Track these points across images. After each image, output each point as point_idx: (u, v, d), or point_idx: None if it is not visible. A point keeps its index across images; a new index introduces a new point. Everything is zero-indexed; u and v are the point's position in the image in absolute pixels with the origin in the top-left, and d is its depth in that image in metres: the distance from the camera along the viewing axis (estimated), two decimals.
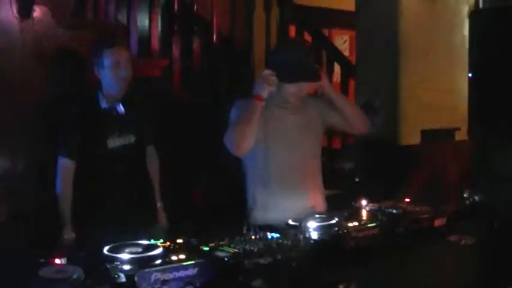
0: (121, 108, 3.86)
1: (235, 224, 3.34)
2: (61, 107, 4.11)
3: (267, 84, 3.54)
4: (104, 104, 3.86)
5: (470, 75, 5.47)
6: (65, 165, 3.83)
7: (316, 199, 3.78)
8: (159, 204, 4.18)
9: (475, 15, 5.62)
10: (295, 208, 3.42)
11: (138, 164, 4.07)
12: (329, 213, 3.26)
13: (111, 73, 3.78)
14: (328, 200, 3.98)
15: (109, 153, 3.85)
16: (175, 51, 5.81)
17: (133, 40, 5.56)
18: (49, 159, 3.94)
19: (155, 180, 4.20)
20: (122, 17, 5.61)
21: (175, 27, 5.86)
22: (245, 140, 3.56)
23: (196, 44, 5.92)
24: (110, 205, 3.89)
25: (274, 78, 3.55)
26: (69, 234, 3.77)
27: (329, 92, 3.76)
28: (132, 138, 3.94)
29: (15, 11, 4.79)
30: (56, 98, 4.74)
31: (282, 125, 3.75)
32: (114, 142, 3.87)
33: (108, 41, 3.93)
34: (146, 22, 5.76)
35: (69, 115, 3.93)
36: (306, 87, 3.70)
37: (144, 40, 5.70)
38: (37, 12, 4.89)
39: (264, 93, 3.54)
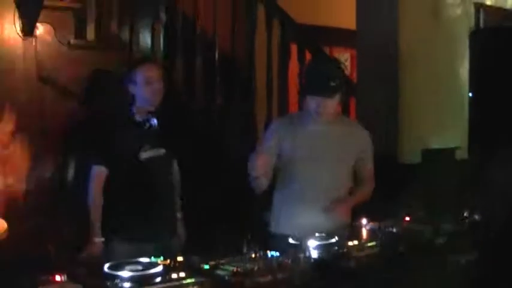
0: (154, 121, 3.98)
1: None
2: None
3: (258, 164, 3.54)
4: (137, 117, 3.98)
5: (470, 94, 5.49)
6: (99, 173, 3.93)
7: (340, 216, 3.84)
8: (179, 215, 4.24)
9: (475, 34, 5.64)
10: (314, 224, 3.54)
11: (167, 176, 4.14)
12: (329, 232, 3.26)
13: (143, 88, 3.95)
14: None
15: (140, 165, 3.93)
16: (178, 70, 5.83)
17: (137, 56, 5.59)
18: (52, 183, 3.99)
19: (177, 192, 4.27)
20: (125, 36, 5.63)
21: (178, 46, 5.88)
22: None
23: (198, 63, 5.93)
24: (136, 216, 3.94)
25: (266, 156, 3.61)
26: (99, 238, 3.87)
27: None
28: (162, 151, 4.02)
29: (18, 28, 4.82)
30: (58, 117, 4.79)
31: (309, 139, 3.88)
32: (146, 154, 3.95)
33: (139, 58, 4.24)
34: (149, 41, 5.78)
35: (103, 126, 4.09)
36: (325, 103, 3.77)
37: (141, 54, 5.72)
38: (40, 30, 4.92)
39: (257, 173, 3.58)
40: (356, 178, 4.01)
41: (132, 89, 3.98)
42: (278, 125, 4.13)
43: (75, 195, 4.08)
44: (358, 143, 3.96)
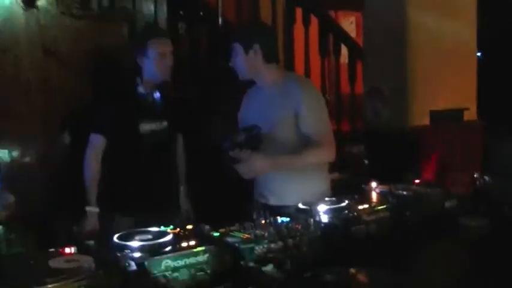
0: (157, 94, 3.97)
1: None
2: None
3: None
4: (141, 89, 3.97)
5: (479, 55, 5.44)
6: (97, 142, 3.95)
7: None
8: (182, 188, 4.24)
9: None
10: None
11: (168, 150, 4.14)
12: (339, 196, 3.24)
13: (155, 63, 3.91)
14: (338, 183, 3.96)
15: (140, 137, 3.93)
16: (182, 37, 5.80)
17: (140, 27, 5.56)
18: (59, 154, 3.98)
19: (181, 165, 4.28)
20: (128, 4, 5.59)
21: (181, 13, 5.85)
22: None
23: (202, 29, 5.90)
24: (135, 188, 3.96)
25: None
26: (94, 208, 3.89)
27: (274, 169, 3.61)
28: (164, 124, 4.00)
29: (19, 0, 4.78)
30: (61, 90, 4.76)
31: (250, 105, 3.87)
32: (147, 126, 3.94)
33: (152, 31, 4.15)
34: (152, 8, 5.74)
35: (105, 95, 4.07)
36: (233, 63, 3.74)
37: (149, 25, 5.68)
38: (42, 1, 4.88)
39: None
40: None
41: (142, 61, 3.94)
42: (243, 100, 4.04)
43: (75, 164, 4.04)
44: (290, 102, 3.66)
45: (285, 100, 3.66)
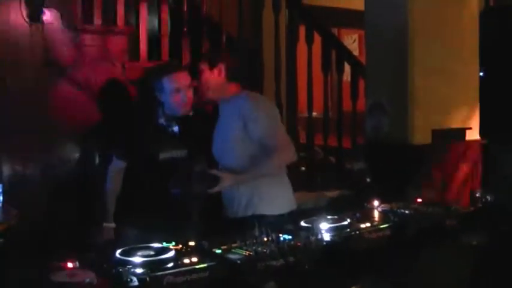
0: (176, 128, 3.95)
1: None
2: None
3: None
4: (161, 120, 3.95)
5: (481, 74, 5.45)
6: (119, 166, 4.03)
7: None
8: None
9: (486, 14, 5.59)
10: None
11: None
12: (341, 214, 3.24)
13: (171, 98, 3.88)
14: (339, 200, 3.97)
15: (159, 164, 3.88)
16: (185, 54, 5.82)
17: (143, 43, 5.58)
18: (59, 163, 4.01)
19: None
20: (131, 20, 5.62)
21: (185, 30, 5.87)
22: None
23: (205, 46, 5.92)
24: (153, 211, 3.92)
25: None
26: (111, 224, 3.98)
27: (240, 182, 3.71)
28: (184, 153, 3.96)
29: (24, 15, 4.81)
30: (66, 105, 4.79)
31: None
32: (166, 155, 3.91)
33: (167, 66, 4.16)
34: (156, 25, 5.76)
35: (128, 123, 4.09)
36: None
37: (154, 43, 5.71)
38: (47, 16, 4.90)
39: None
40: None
41: (160, 96, 3.91)
42: None
43: (93, 182, 4.10)
44: (239, 113, 3.73)
45: (234, 113, 3.75)
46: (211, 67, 3.80)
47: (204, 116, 4.13)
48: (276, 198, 3.80)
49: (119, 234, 3.95)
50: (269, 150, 3.64)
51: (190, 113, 3.98)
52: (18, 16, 4.82)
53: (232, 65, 3.87)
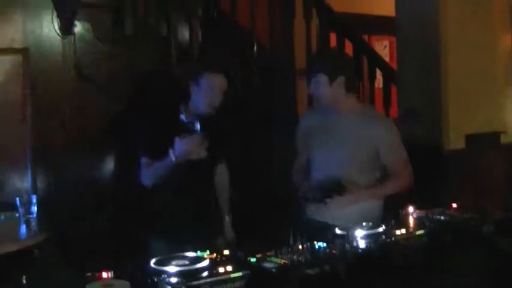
0: (198, 125, 3.90)
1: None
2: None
3: None
4: (183, 117, 3.94)
5: None
6: (148, 163, 3.92)
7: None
8: (227, 219, 4.24)
9: None
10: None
11: (206, 179, 4.11)
12: (376, 221, 3.22)
13: (204, 96, 3.89)
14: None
15: (179, 165, 3.82)
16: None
17: (174, 53, 5.59)
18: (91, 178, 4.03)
19: (224, 195, 4.28)
20: (162, 30, 5.64)
21: (216, 38, 5.87)
22: None
23: (236, 58, 5.91)
24: (175, 217, 3.94)
25: None
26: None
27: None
28: (204, 154, 3.91)
29: (57, 27, 4.85)
30: (99, 115, 4.82)
31: (325, 129, 3.88)
32: None
33: (211, 64, 4.07)
34: (187, 34, 5.78)
35: (152, 121, 4.03)
36: (311, 87, 3.82)
37: (185, 52, 5.73)
38: (78, 28, 4.94)
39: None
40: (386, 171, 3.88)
41: (192, 88, 3.92)
42: (306, 115, 4.25)
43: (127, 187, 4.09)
44: (371, 134, 3.78)
45: (365, 132, 3.77)
46: (332, 79, 3.76)
47: (225, 116, 4.12)
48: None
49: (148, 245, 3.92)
50: (395, 174, 3.84)
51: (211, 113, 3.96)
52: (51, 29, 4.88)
53: (350, 77, 3.88)
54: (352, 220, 3.22)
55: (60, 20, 4.83)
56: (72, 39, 4.92)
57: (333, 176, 3.68)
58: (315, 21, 5.99)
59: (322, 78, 3.76)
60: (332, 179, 3.66)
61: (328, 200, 3.63)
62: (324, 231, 3.06)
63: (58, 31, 4.89)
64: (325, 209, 3.67)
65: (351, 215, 3.53)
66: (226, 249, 2.74)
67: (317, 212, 3.77)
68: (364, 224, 3.08)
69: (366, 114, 3.87)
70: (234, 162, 4.31)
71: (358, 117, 3.81)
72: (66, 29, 4.87)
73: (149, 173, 3.89)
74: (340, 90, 3.78)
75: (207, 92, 3.88)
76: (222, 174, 4.26)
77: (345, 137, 3.79)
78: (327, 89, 3.77)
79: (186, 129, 3.87)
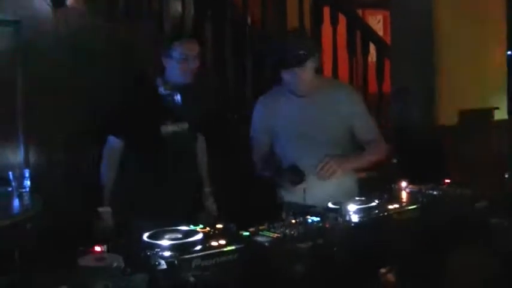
0: (178, 97, 3.92)
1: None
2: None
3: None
4: (162, 90, 3.93)
5: (509, 53, 5.39)
6: (112, 145, 3.94)
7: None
8: (207, 190, 4.23)
9: None
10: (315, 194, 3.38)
11: (189, 151, 4.10)
12: (369, 195, 3.22)
13: (178, 65, 3.89)
14: (366, 182, 3.95)
15: (161, 138, 3.89)
16: (208, 37, 5.80)
17: (167, 27, 5.57)
18: (86, 156, 4.01)
19: (203, 167, 4.27)
20: (155, 6, 5.62)
21: (208, 13, 5.84)
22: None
23: (228, 29, 5.89)
24: (156, 189, 3.94)
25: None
26: (106, 208, 3.82)
27: (347, 168, 3.70)
28: (185, 126, 3.98)
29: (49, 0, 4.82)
30: (91, 90, 4.80)
31: (292, 112, 3.78)
32: (168, 128, 3.91)
33: (179, 32, 4.02)
34: (179, 8, 5.75)
35: (123, 96, 4.06)
36: (299, 74, 3.63)
37: (177, 26, 5.70)
38: (71, 1, 4.92)
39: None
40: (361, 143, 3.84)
41: (166, 62, 3.93)
42: (262, 102, 3.97)
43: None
44: (343, 105, 3.75)
45: (336, 108, 3.74)
46: (310, 62, 3.64)
47: (205, 86, 4.11)
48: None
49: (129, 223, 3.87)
50: (372, 143, 3.79)
51: (190, 82, 3.96)
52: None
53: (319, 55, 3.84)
54: (329, 199, 3.18)
55: None
56: (64, 12, 4.90)
57: (309, 158, 3.59)
58: None
59: (309, 64, 3.64)
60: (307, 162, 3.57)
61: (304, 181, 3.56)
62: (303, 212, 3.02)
63: (50, 4, 4.86)
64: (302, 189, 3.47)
65: (328, 193, 3.41)
66: (206, 221, 2.74)
67: (293, 194, 3.63)
68: (357, 198, 3.09)
69: (329, 87, 3.84)
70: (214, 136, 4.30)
71: (328, 95, 3.76)
72: (58, 1, 4.84)
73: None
74: (312, 71, 3.70)
75: (179, 61, 3.89)
76: (201, 145, 4.26)
77: (317, 116, 3.74)
78: (308, 72, 3.66)
79: (166, 102, 3.87)
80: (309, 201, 3.26)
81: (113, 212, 3.82)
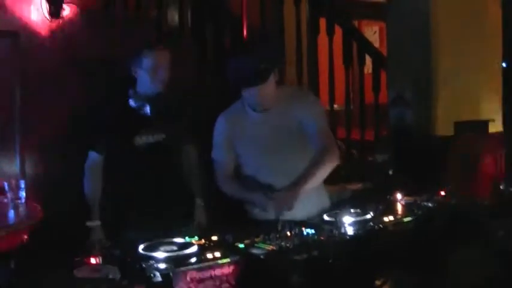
0: (147, 108, 3.85)
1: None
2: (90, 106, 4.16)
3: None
4: (133, 102, 3.87)
5: (504, 65, 5.40)
6: (93, 160, 3.90)
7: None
8: (198, 201, 4.11)
9: (509, 3, 5.55)
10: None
11: (168, 162, 4.00)
12: (364, 207, 3.22)
13: (149, 75, 3.81)
14: (362, 193, 3.95)
15: (136, 151, 3.83)
16: (206, 46, 5.82)
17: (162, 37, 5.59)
18: (80, 163, 3.99)
19: (194, 178, 4.14)
20: (153, 13, 5.63)
21: (206, 23, 5.86)
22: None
23: (226, 39, 5.91)
24: (139, 202, 3.88)
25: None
26: (95, 222, 3.84)
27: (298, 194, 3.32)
28: (161, 137, 3.90)
29: (45, 11, 4.84)
30: (85, 98, 4.79)
31: (253, 128, 3.61)
32: (141, 140, 3.84)
33: (149, 41, 4.03)
34: (176, 18, 5.77)
35: (99, 111, 3.97)
36: (261, 90, 3.44)
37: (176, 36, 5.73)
38: (66, 11, 4.93)
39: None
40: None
41: (136, 73, 3.85)
42: (224, 120, 3.74)
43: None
44: (298, 111, 3.53)
45: (294, 115, 3.54)
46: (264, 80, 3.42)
47: (176, 95, 4.07)
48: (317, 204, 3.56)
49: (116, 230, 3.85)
50: (320, 154, 3.45)
51: (161, 92, 3.86)
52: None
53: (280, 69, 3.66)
54: (301, 213, 3.16)
55: (48, 4, 4.82)
56: (60, 22, 4.91)
57: (277, 173, 3.46)
58: (305, 6, 5.98)
59: (271, 78, 3.45)
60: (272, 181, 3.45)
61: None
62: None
63: (47, 15, 4.87)
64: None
65: (298, 208, 3.24)
66: (197, 233, 2.74)
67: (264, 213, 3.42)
68: (352, 210, 3.09)
69: (285, 97, 3.59)
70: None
71: (286, 106, 3.56)
72: (54, 12, 4.86)
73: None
74: (274, 85, 3.51)
75: (149, 72, 3.80)
76: (188, 155, 4.14)
77: (277, 130, 3.55)
78: (269, 87, 3.47)
79: (136, 114, 3.85)
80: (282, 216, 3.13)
81: (102, 224, 3.84)
